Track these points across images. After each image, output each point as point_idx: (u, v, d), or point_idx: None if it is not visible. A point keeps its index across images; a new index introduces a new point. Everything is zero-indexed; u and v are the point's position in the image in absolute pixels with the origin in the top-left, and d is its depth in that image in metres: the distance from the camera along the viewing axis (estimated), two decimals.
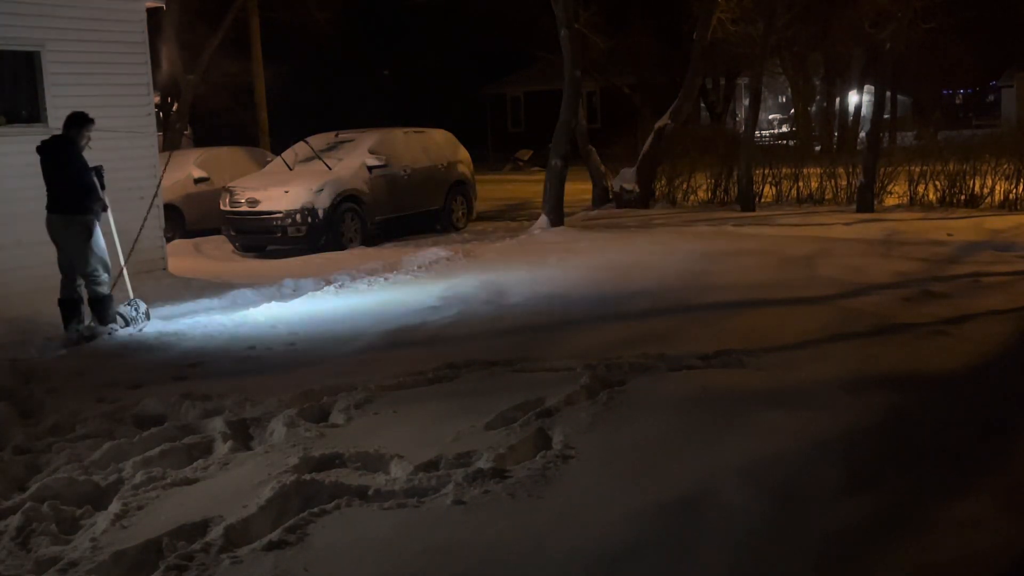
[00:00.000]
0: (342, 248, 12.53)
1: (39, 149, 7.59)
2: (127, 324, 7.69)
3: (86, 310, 7.65)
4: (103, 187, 7.64)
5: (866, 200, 13.63)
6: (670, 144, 15.92)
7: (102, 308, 7.59)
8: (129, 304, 7.86)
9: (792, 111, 37.11)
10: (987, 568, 3.11)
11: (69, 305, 7.59)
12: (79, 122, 7.60)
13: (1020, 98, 35.25)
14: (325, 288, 9.25)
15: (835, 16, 21.67)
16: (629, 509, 3.57)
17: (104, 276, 7.61)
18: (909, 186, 14.46)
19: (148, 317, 7.92)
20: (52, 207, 7.52)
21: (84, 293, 7.66)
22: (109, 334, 7.45)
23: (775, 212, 14.20)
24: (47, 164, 7.51)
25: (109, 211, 7.75)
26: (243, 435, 4.73)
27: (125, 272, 8.05)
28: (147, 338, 7.26)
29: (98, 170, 7.63)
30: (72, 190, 7.44)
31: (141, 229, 8.75)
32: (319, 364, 6.14)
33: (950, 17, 16.30)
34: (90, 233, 7.51)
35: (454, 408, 4.94)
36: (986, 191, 13.85)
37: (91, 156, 7.68)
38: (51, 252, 7.64)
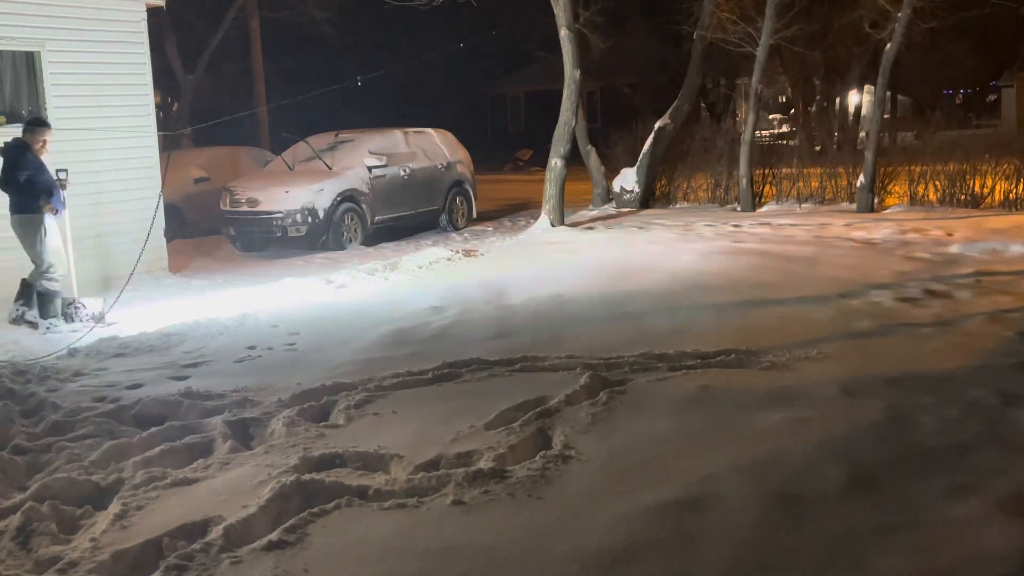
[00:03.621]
0: (342, 248, 12.53)
1: (1, 151, 7.95)
2: (70, 322, 7.96)
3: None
4: (63, 187, 8.03)
5: (866, 200, 13.63)
6: (670, 144, 15.91)
7: (46, 303, 7.93)
8: (71, 305, 8.12)
9: (792, 111, 37.09)
10: (988, 569, 3.11)
11: (26, 286, 7.97)
12: (30, 126, 8.03)
13: (1020, 98, 35.20)
14: (325, 288, 9.26)
15: (835, 16, 21.63)
16: (629, 509, 3.58)
17: (57, 273, 7.97)
18: (909, 186, 14.43)
19: (101, 319, 8.04)
20: (11, 208, 7.93)
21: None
22: (47, 328, 7.78)
23: (775, 212, 14.19)
24: (5, 167, 7.86)
25: (66, 211, 8.09)
26: (243, 435, 4.73)
27: (66, 275, 8.19)
28: (147, 338, 7.26)
29: (59, 172, 8.03)
30: (25, 191, 7.80)
31: (150, 231, 9.01)
32: (319, 364, 6.14)
33: (950, 17, 16.24)
34: (43, 231, 7.87)
35: (454, 408, 4.95)
36: (986, 191, 13.84)
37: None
38: None
